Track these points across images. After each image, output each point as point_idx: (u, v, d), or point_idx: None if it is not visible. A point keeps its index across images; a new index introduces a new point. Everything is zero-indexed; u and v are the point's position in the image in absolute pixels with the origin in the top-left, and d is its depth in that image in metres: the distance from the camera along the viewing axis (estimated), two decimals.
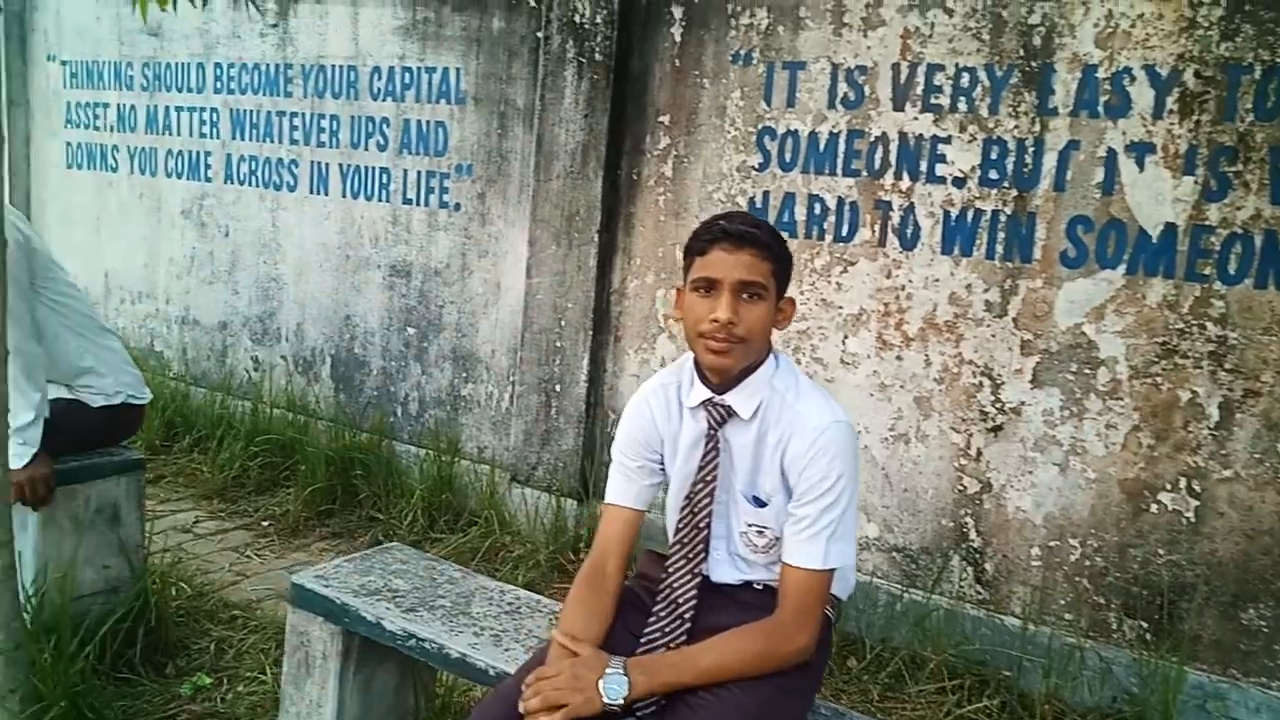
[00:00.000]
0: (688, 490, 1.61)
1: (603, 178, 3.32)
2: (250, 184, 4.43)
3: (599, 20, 3.25)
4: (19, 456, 2.37)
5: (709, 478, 1.59)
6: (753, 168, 3.13)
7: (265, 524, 3.73)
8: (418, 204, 3.92)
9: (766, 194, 3.10)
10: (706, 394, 1.60)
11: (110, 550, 2.56)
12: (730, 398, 1.58)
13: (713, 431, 1.59)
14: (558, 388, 3.51)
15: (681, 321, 1.60)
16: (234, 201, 4.49)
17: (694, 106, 3.23)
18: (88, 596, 2.48)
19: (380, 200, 4.02)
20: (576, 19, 3.30)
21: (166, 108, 4.68)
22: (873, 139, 2.92)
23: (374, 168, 4.02)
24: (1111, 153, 2.59)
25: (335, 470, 3.89)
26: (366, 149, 4.03)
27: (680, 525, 1.61)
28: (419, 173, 3.90)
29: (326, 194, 4.18)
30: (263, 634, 2.71)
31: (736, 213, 1.87)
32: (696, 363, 1.62)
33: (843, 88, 2.96)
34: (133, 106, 4.81)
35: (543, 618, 1.87)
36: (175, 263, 4.76)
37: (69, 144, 5.13)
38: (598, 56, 3.27)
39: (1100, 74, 2.60)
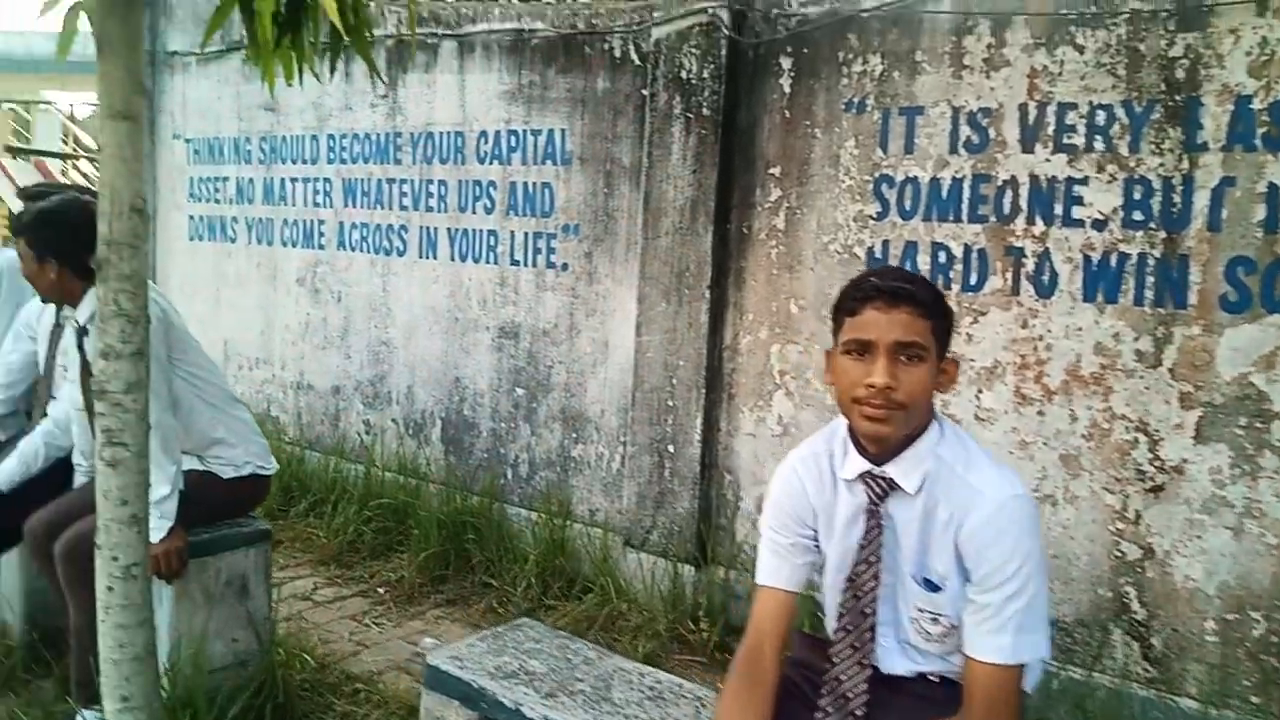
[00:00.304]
0: (848, 571, 1.49)
1: (712, 232, 3.26)
2: (361, 250, 4.53)
3: (706, 75, 3.22)
4: (156, 530, 2.40)
5: (872, 558, 1.47)
6: (870, 217, 3.02)
7: (381, 590, 3.72)
8: (525, 265, 3.93)
9: (886, 243, 2.99)
10: (864, 465, 1.48)
11: (239, 623, 2.57)
12: (891, 469, 1.46)
13: (874, 507, 1.47)
14: (670, 448, 3.42)
15: (833, 387, 1.50)
16: (346, 268, 4.60)
17: (805, 157, 3.15)
18: (218, 670, 2.48)
19: (488, 262, 4.05)
20: (683, 75, 3.27)
21: (282, 179, 4.85)
22: (1000, 183, 2.78)
23: (481, 230, 4.06)
24: (1273, 188, 2.40)
25: (448, 535, 3.88)
26: (474, 212, 4.08)
27: (843, 610, 1.49)
28: (526, 234, 3.92)
29: (435, 258, 4.23)
30: (385, 709, 2.66)
31: (889, 268, 1.77)
32: (851, 430, 1.51)
33: (965, 131, 2.84)
34: (250, 179, 5.01)
35: (688, 705, 1.76)
36: (290, 329, 4.90)
37: (191, 217, 5.37)
38: (705, 111, 3.23)
39: (1255, 105, 2.42)
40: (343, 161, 4.57)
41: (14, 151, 12.36)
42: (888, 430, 1.41)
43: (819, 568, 1.57)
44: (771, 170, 3.21)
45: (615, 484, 3.70)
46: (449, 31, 4.06)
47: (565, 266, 3.80)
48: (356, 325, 4.59)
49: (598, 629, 3.25)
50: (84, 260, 2.47)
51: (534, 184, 3.88)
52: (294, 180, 4.80)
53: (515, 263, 3.96)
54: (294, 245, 4.81)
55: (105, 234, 1.83)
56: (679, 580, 3.36)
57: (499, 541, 3.86)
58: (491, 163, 4.00)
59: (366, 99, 4.43)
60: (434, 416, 4.31)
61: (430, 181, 4.22)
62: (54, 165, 14.16)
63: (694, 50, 3.24)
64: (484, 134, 4.02)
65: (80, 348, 2.52)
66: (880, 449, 1.46)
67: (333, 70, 2.24)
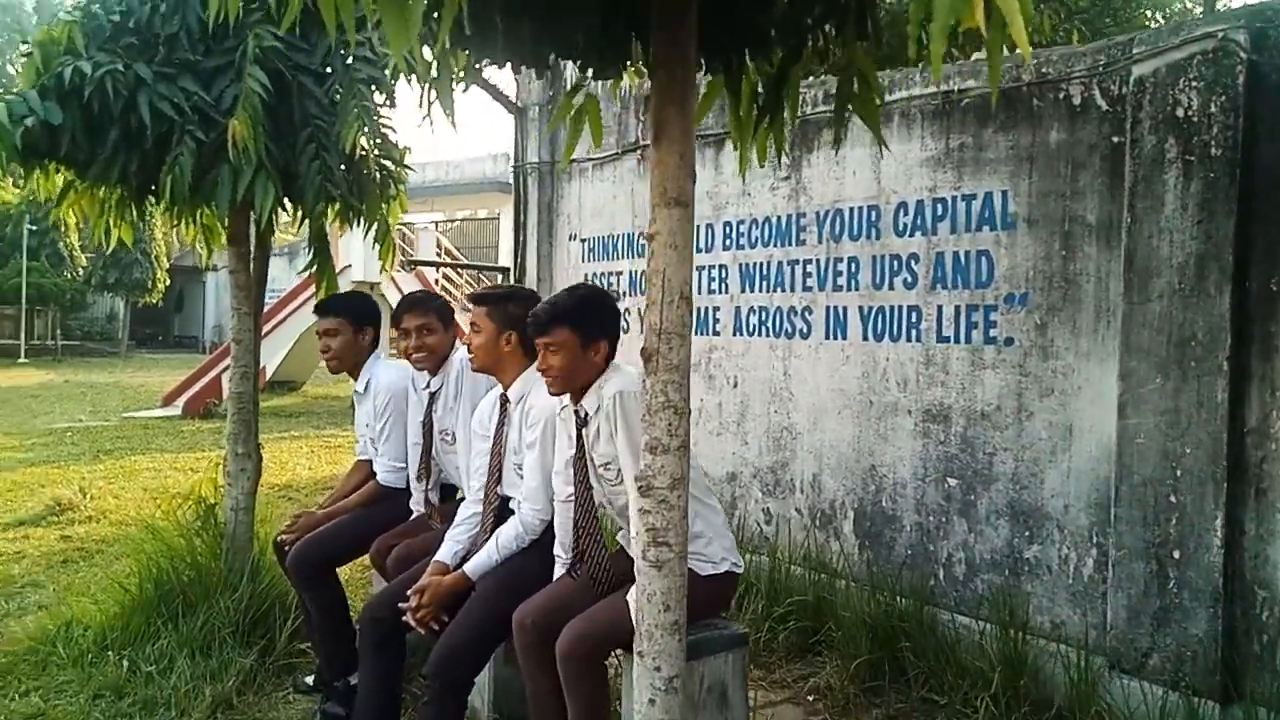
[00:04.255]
0: None
1: (1229, 293, 2.70)
2: (760, 334, 4.43)
3: (1214, 109, 2.72)
4: None
5: None
6: None
7: (810, 698, 3.43)
8: (956, 341, 3.57)
9: None
10: None
11: None
12: None
13: None
14: (1175, 554, 2.83)
15: None
16: (743, 353, 4.52)
17: None
18: None
19: (909, 340, 3.74)
20: (1180, 113, 2.80)
21: None
22: None
23: (901, 306, 3.78)
24: None
25: (876, 639, 3.52)
26: (891, 288, 3.81)
27: None
28: (957, 307, 3.57)
29: (845, 338, 4.01)
30: None
31: None
32: None
33: None
34: (643, 272, 5.16)
35: None
36: None
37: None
38: (1214, 151, 2.73)
39: None
40: (740, 247, 4.55)
41: (410, 264, 14.29)
42: None
43: None
44: None
45: (1088, 594, 3.15)
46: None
47: (1010, 341, 3.39)
48: (754, 410, 4.47)
49: None
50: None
51: (966, 253, 3.54)
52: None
53: (943, 339, 3.62)
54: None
55: (655, 323, 1.76)
56: (1196, 718, 2.72)
57: (937, 652, 3.42)
58: (913, 234, 3.73)
59: (766, 184, 4.38)
60: (845, 507, 4.02)
61: (839, 260, 4.03)
62: (429, 274, 16.21)
63: (1195, 83, 2.77)
64: (903, 205, 3.77)
65: (579, 435, 2.54)
66: None
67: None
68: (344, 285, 15.18)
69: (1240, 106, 2.68)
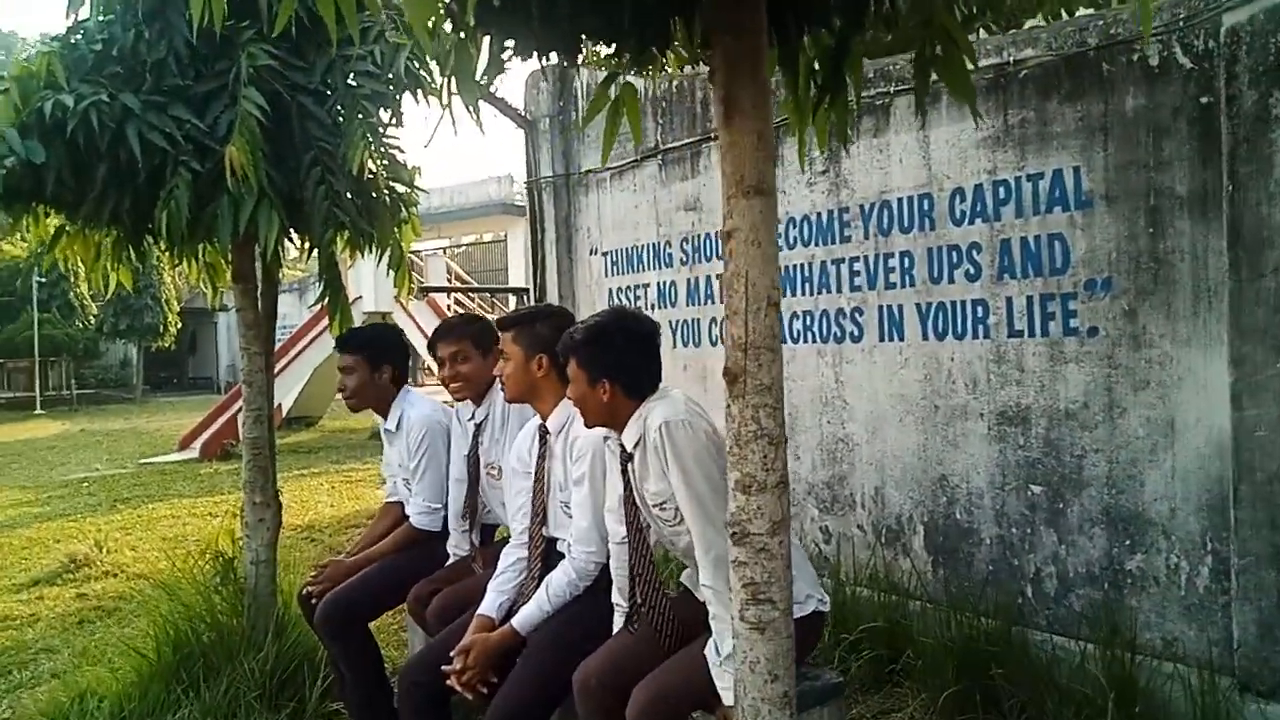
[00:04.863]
0: None
1: None
2: (805, 340, 4.13)
3: None
4: (729, 690, 1.99)
5: None
6: None
7: None
8: (1031, 335, 3.26)
9: None
10: None
11: None
12: None
13: None
14: None
15: None
16: (787, 360, 4.22)
17: None
18: None
19: (975, 337, 3.43)
20: None
21: (708, 277, 4.65)
22: None
23: (963, 301, 3.47)
24: None
25: (961, 666, 3.20)
26: (951, 281, 3.51)
27: None
28: (1028, 298, 3.26)
29: (901, 339, 3.70)
30: None
31: None
32: None
33: None
34: (672, 282, 4.88)
35: None
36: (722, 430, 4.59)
37: None
38: None
39: None
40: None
41: (423, 291, 14.08)
42: None
43: None
44: None
45: (1205, 607, 2.82)
46: (903, 87, 3.61)
47: (1093, 331, 3.07)
48: (804, 422, 4.16)
49: None
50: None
51: (1036, 238, 3.23)
52: (720, 277, 4.56)
53: (1016, 333, 3.30)
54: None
55: (739, 336, 1.47)
56: None
57: (1033, 677, 3.10)
58: (972, 222, 3.43)
59: (802, 179, 4.09)
60: (914, 522, 3.70)
61: (890, 255, 3.73)
62: (441, 301, 16.00)
63: None
64: (959, 191, 3.46)
65: (625, 471, 2.25)
66: None
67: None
68: (355, 318, 15.01)
69: None
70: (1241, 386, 2.62)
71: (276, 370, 14.22)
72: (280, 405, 14.45)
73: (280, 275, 3.93)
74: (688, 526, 2.14)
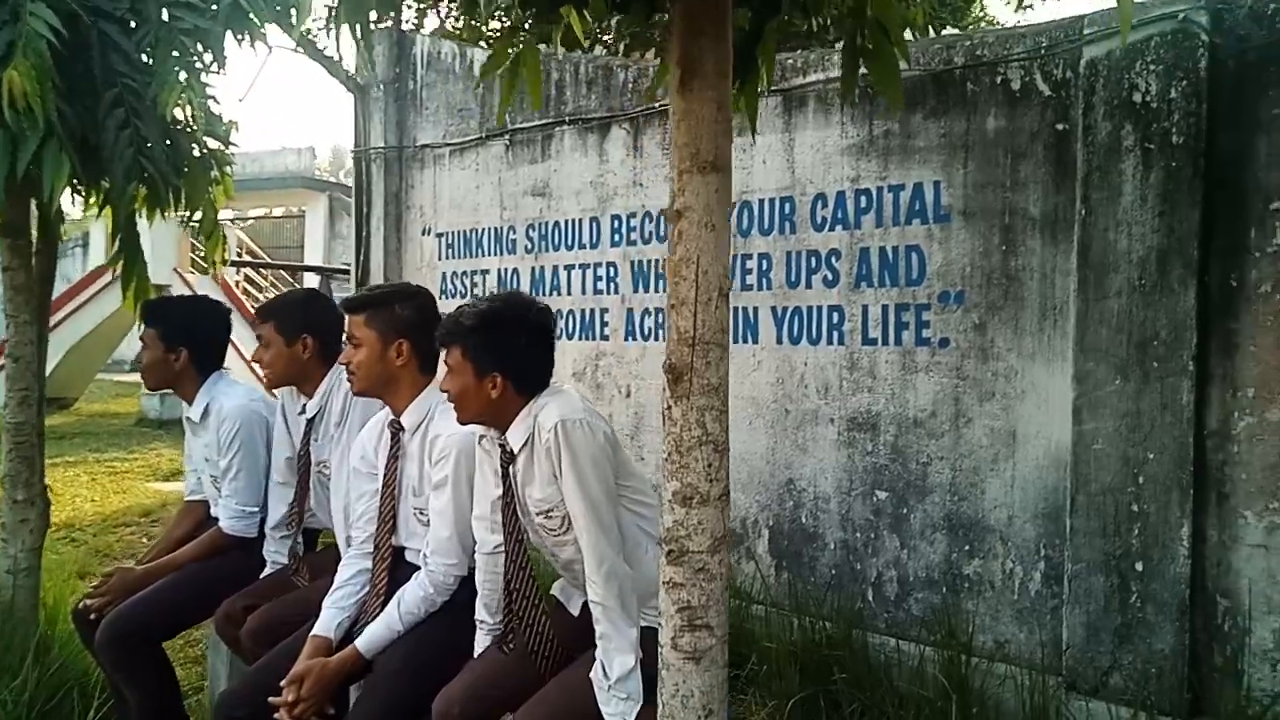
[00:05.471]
0: None
1: (1194, 289, 2.57)
2: (656, 338, 4.03)
3: (1175, 95, 2.58)
4: (619, 717, 1.82)
5: None
6: None
7: None
8: (885, 344, 3.31)
9: None
10: None
11: None
12: None
13: None
14: (1138, 566, 2.68)
15: None
16: (637, 358, 4.10)
17: None
18: None
19: (830, 343, 3.46)
20: (1136, 98, 2.65)
21: (554, 267, 4.44)
22: None
23: (820, 307, 3.48)
24: None
25: (805, 671, 3.20)
26: (809, 286, 3.51)
27: None
28: (884, 307, 3.31)
29: (755, 341, 3.68)
30: None
31: None
32: None
33: None
34: (515, 270, 4.63)
35: None
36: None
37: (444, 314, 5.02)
38: (1175, 139, 2.59)
39: None
40: (631, 243, 4.12)
41: (236, 264, 12.84)
42: None
43: None
44: (1275, 205, 2.52)
45: (1035, 610, 2.96)
46: (772, 87, 3.58)
47: (945, 342, 3.17)
48: (651, 422, 4.06)
49: None
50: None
51: (894, 248, 3.29)
52: (569, 267, 4.37)
53: (870, 341, 3.35)
54: (570, 337, 4.36)
55: (685, 330, 1.31)
56: None
57: (872, 680, 3.15)
58: (833, 228, 3.45)
59: (660, 173, 3.98)
60: (759, 526, 3.69)
61: (748, 256, 3.69)
62: (229, 277, 14.69)
63: (1153, 66, 2.62)
64: (821, 197, 3.48)
65: (506, 474, 2.01)
66: None
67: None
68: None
69: (1203, 92, 2.55)
70: (1083, 401, 2.77)
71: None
72: None
73: (61, 229, 3.33)
74: (574, 536, 1.94)
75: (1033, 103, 2.95)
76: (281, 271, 16.49)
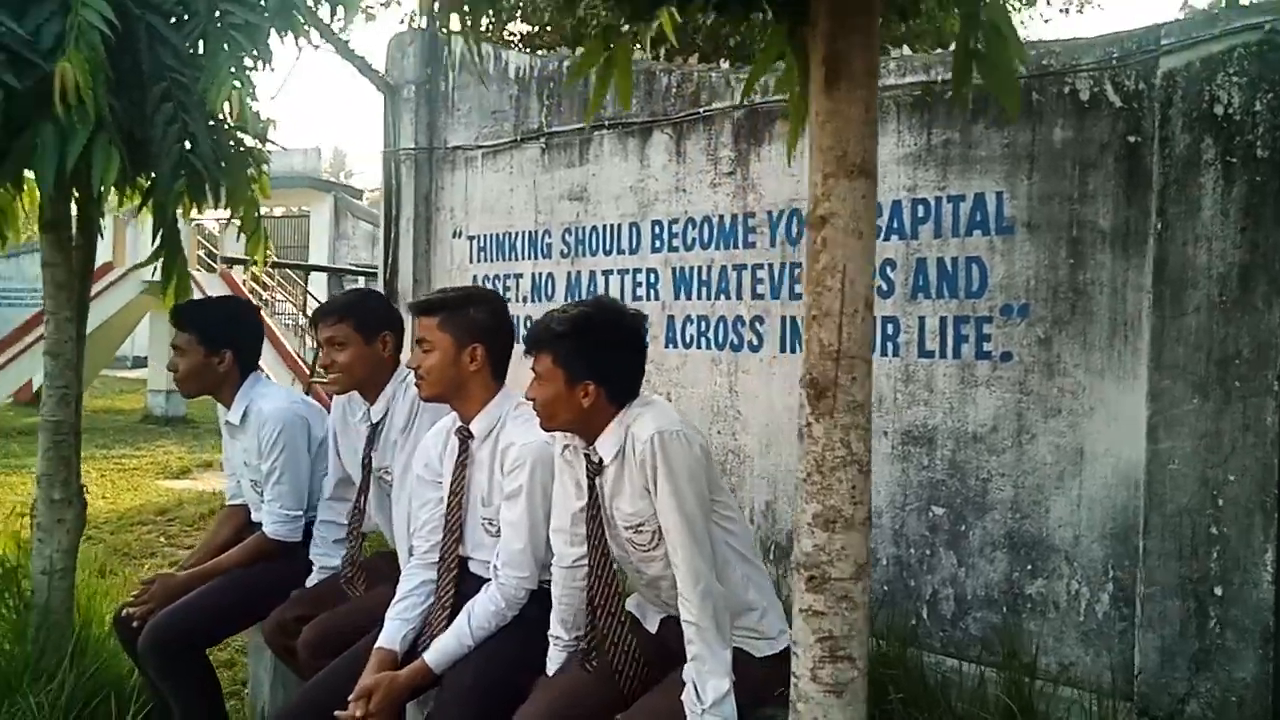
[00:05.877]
0: None
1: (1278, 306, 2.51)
2: (699, 346, 3.95)
3: (1259, 108, 2.52)
4: None
5: None
6: None
7: None
8: (941, 356, 3.24)
9: None
10: None
11: None
12: None
13: None
14: (1217, 590, 2.61)
15: None
16: (678, 366, 4.03)
17: None
18: None
19: (884, 355, 3.38)
20: (1217, 111, 2.59)
21: (591, 272, 4.37)
22: None
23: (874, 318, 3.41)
24: None
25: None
26: None
27: None
28: (941, 319, 3.25)
29: (802, 351, 3.59)
30: None
31: None
32: None
33: None
34: (550, 275, 4.55)
35: None
36: None
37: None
38: (1259, 153, 2.52)
39: None
40: (673, 249, 4.05)
41: (230, 262, 12.76)
42: None
43: None
44: None
45: (1103, 633, 2.89)
46: None
47: (1006, 356, 3.10)
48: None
49: None
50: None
51: (953, 259, 3.22)
52: (607, 273, 4.30)
53: (926, 354, 3.28)
54: None
55: (829, 343, 1.24)
56: None
57: (929, 700, 3.07)
58: (888, 238, 3.38)
59: (705, 179, 3.92)
60: None
61: (796, 265, 3.62)
62: (237, 274, 14.59)
63: (1236, 78, 2.56)
64: (876, 206, 3.40)
65: (592, 488, 1.94)
66: None
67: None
68: (135, 288, 13.26)
69: None
70: (1158, 420, 2.70)
71: (34, 337, 12.32)
72: (31, 379, 12.58)
73: (100, 223, 3.25)
74: (663, 552, 1.87)
75: (1103, 113, 2.89)
76: (288, 271, 16.39)
